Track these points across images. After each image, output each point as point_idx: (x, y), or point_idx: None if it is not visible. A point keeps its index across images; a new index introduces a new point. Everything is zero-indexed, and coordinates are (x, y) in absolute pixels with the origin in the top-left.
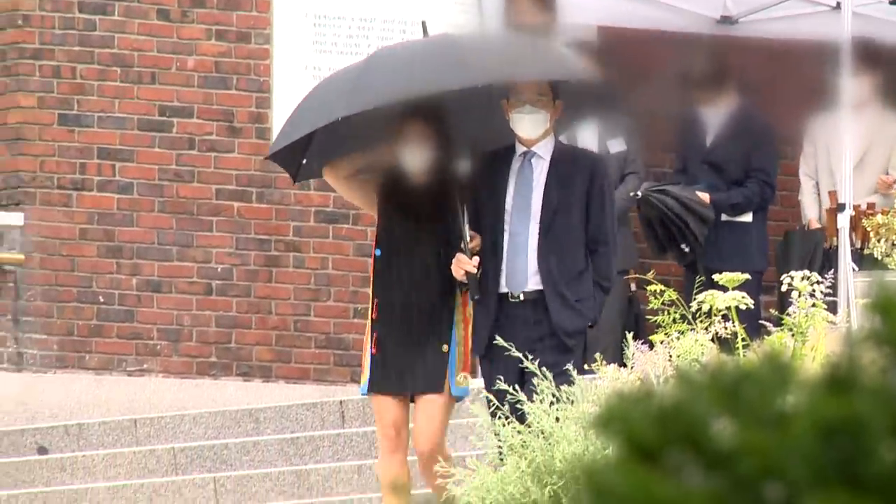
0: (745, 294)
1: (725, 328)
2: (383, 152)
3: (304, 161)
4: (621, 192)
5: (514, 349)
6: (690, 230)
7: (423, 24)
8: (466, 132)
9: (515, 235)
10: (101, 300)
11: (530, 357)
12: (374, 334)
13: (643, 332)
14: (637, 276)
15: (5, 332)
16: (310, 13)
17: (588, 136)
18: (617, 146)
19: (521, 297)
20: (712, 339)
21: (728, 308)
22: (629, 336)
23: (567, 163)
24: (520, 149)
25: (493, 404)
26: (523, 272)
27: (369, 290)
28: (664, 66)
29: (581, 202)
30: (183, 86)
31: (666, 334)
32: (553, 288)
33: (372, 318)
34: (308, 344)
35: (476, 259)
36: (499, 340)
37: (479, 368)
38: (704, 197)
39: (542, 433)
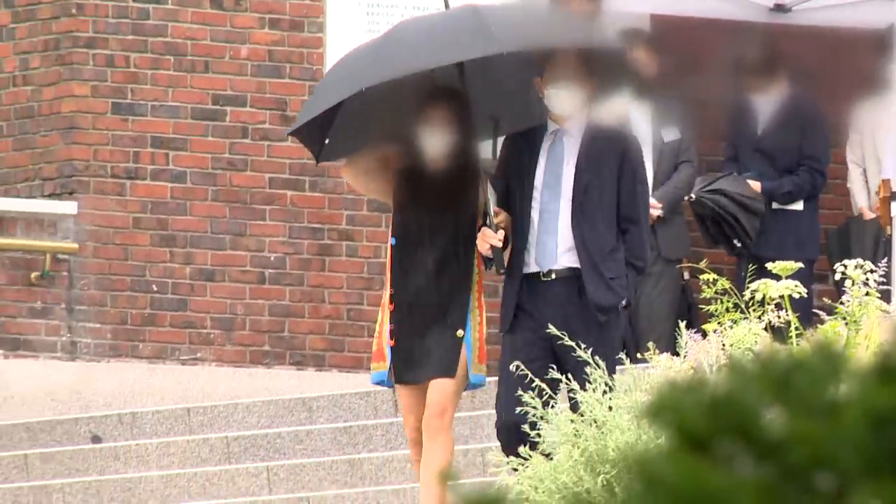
0: (798, 283)
1: (779, 317)
2: (400, 137)
3: (328, 141)
4: (675, 181)
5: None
6: (741, 225)
7: None
8: (488, 114)
9: (546, 213)
10: (155, 289)
11: (564, 333)
12: (391, 326)
13: (696, 320)
14: (690, 264)
15: (59, 320)
16: (363, 1)
17: (641, 126)
18: (671, 135)
19: (553, 276)
20: (765, 329)
21: (781, 297)
22: (682, 325)
23: (599, 140)
24: (551, 126)
25: (523, 375)
26: (553, 250)
27: (387, 279)
28: (717, 55)
29: (613, 180)
30: (236, 74)
31: (719, 323)
32: (589, 263)
33: (390, 310)
34: (361, 333)
35: (501, 233)
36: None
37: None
38: (755, 185)
39: (595, 422)
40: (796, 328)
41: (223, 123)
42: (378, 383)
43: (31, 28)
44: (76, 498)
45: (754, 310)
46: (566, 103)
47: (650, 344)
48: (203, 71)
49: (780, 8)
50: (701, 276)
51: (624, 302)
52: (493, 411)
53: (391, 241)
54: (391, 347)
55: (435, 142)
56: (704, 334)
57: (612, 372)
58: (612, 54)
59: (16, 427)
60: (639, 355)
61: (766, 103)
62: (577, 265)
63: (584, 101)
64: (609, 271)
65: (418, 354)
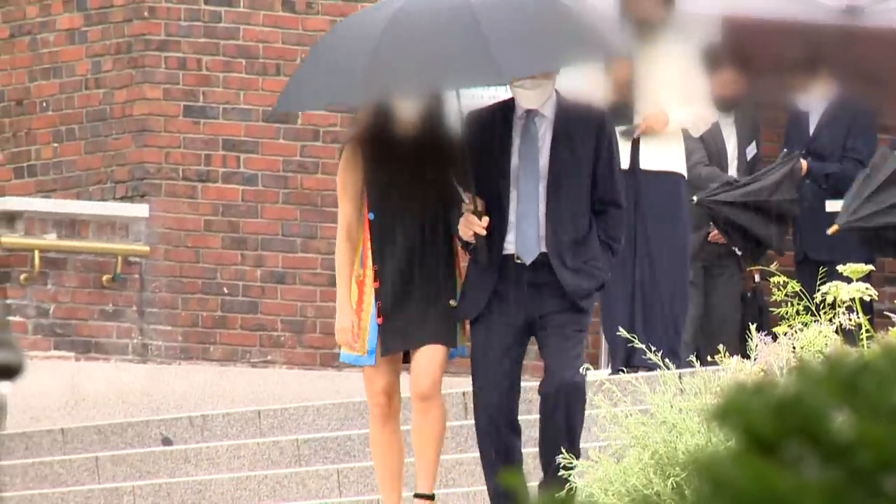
0: (868, 285)
1: (850, 320)
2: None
3: (287, 89)
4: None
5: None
6: (752, 233)
7: None
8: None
9: (524, 200)
10: (226, 291)
11: (540, 316)
12: (378, 303)
13: (767, 323)
14: (761, 267)
15: (130, 323)
16: None
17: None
18: (753, 150)
19: (529, 262)
20: (836, 331)
21: (852, 299)
22: (752, 328)
23: (573, 120)
24: (520, 108)
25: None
26: (534, 236)
27: (363, 256)
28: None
29: (589, 161)
30: None
31: (789, 326)
32: (558, 255)
33: (374, 287)
34: None
35: (486, 220)
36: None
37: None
38: (802, 165)
39: (665, 424)
40: (867, 331)
41: (294, 126)
42: (345, 361)
43: (104, 31)
44: (146, 500)
45: (825, 312)
46: (533, 98)
47: (720, 346)
48: (275, 74)
49: (853, 10)
50: (771, 279)
51: (600, 284)
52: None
53: (368, 216)
54: (379, 325)
55: (406, 108)
56: (775, 337)
57: (582, 348)
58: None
59: (87, 429)
60: (709, 358)
61: (818, 104)
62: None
63: (552, 87)
64: (581, 257)
65: (410, 323)
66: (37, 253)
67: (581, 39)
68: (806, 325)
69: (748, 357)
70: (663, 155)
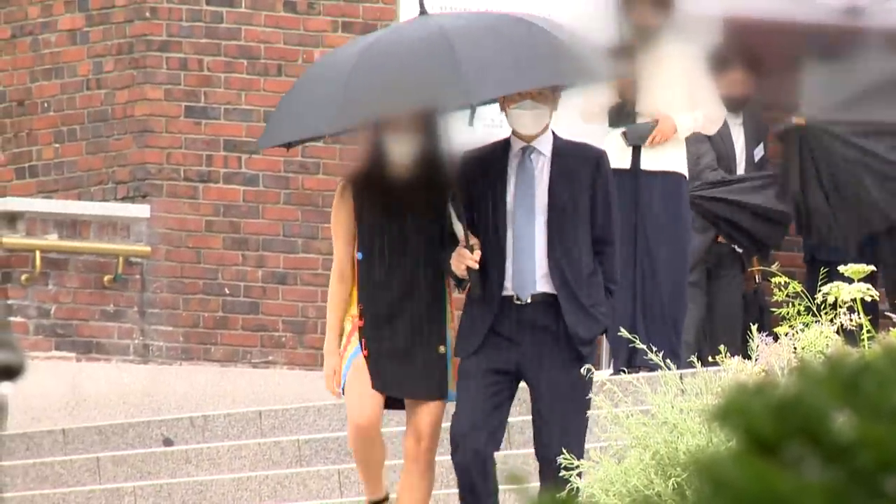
0: (870, 286)
1: (851, 320)
2: (358, 137)
3: (269, 124)
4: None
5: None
6: (744, 230)
7: (421, 1)
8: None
9: (520, 236)
10: (227, 292)
11: (538, 370)
12: (363, 340)
13: (768, 324)
14: (762, 267)
15: (131, 323)
16: (435, 5)
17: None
18: (760, 152)
19: (528, 300)
20: (837, 332)
21: (853, 300)
22: (754, 328)
23: (570, 157)
24: (517, 144)
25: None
26: (531, 274)
27: (352, 296)
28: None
29: (587, 199)
30: None
31: (791, 326)
32: (567, 292)
33: (359, 326)
34: None
35: (478, 254)
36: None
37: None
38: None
39: (666, 425)
40: (868, 331)
41: None
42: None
43: (105, 31)
44: (147, 501)
45: (826, 313)
46: (531, 123)
47: (721, 347)
48: (276, 74)
49: (853, 10)
50: (772, 279)
51: (604, 329)
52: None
53: (357, 255)
54: (365, 357)
55: (399, 147)
56: (776, 337)
57: (583, 421)
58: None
59: (88, 430)
60: (710, 358)
61: None
62: (554, 291)
63: (551, 117)
64: (588, 298)
65: (398, 371)
66: (38, 253)
67: (556, 61)
68: (807, 325)
69: (749, 357)
70: (664, 155)
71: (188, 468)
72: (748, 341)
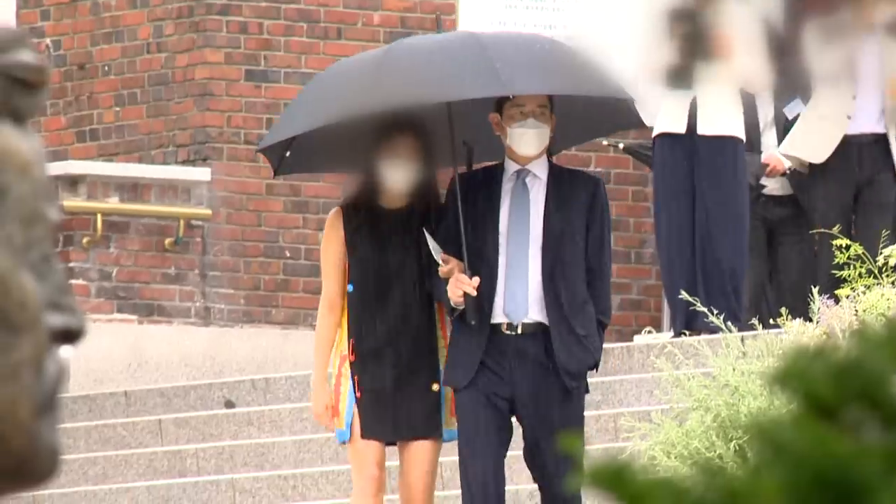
0: None
1: None
2: (359, 167)
3: (288, 154)
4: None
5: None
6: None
7: (438, 17)
8: (461, 139)
9: (513, 262)
10: (288, 255)
11: (531, 405)
12: (355, 377)
13: (828, 287)
14: (823, 230)
15: (193, 286)
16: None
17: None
18: (795, 109)
19: (519, 330)
20: None
21: None
22: (815, 290)
23: (566, 183)
24: (511, 167)
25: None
26: (523, 301)
27: (343, 330)
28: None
29: (582, 227)
30: (369, 41)
31: (852, 289)
32: (560, 321)
33: (350, 360)
34: None
35: (476, 279)
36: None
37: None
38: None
39: (727, 387)
40: None
41: None
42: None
43: None
44: (209, 463)
45: (888, 275)
46: (533, 143)
47: (782, 309)
48: (336, 38)
49: None
50: (834, 242)
51: (593, 363)
52: (626, 377)
53: (348, 286)
54: (357, 400)
55: (394, 176)
56: (837, 300)
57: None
58: (613, 104)
59: (150, 392)
60: (771, 321)
61: None
62: (545, 321)
63: (549, 139)
64: (581, 328)
65: (392, 410)
66: (99, 216)
67: (586, 74)
68: (868, 287)
69: (811, 320)
70: (721, 119)
71: (250, 430)
72: (810, 303)
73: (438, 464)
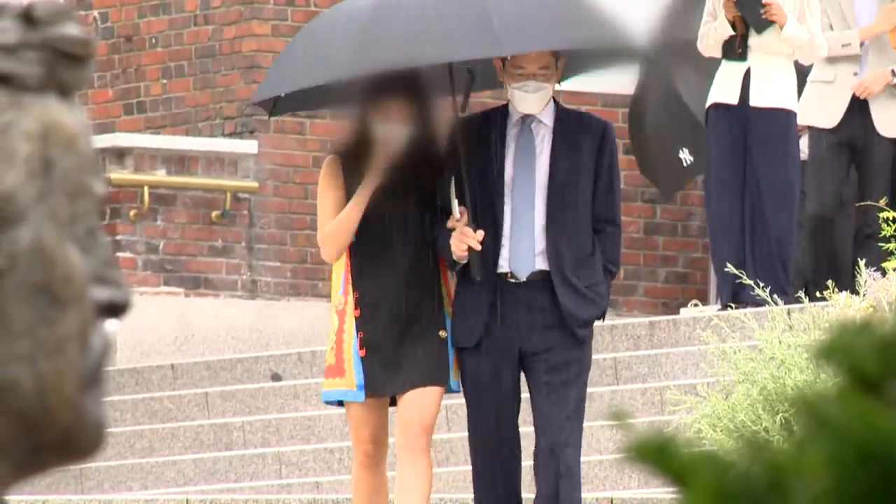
0: None
1: None
2: (353, 120)
3: (282, 96)
4: None
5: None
6: None
7: None
8: (464, 66)
9: (519, 211)
10: None
11: (533, 353)
12: (360, 334)
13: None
14: (869, 202)
15: (240, 259)
16: None
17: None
18: None
19: (524, 279)
20: None
21: None
22: (862, 263)
23: (573, 129)
24: (515, 113)
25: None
26: (529, 251)
27: (345, 281)
28: None
29: (589, 174)
30: None
31: None
32: (561, 273)
33: (355, 316)
34: None
35: (481, 233)
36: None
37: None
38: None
39: (773, 360)
40: None
41: None
42: (329, 402)
43: None
44: (256, 436)
45: None
46: (533, 104)
47: (829, 282)
48: None
49: None
50: (881, 214)
51: (601, 312)
52: (672, 350)
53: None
54: (362, 358)
55: (393, 132)
56: (884, 273)
57: (582, 399)
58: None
59: (196, 365)
60: (818, 293)
61: None
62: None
63: (552, 92)
64: (585, 279)
65: (399, 361)
66: (146, 189)
67: (591, 25)
68: None
69: (857, 293)
70: (774, 91)
71: (296, 403)
72: (857, 276)
73: (442, 407)
